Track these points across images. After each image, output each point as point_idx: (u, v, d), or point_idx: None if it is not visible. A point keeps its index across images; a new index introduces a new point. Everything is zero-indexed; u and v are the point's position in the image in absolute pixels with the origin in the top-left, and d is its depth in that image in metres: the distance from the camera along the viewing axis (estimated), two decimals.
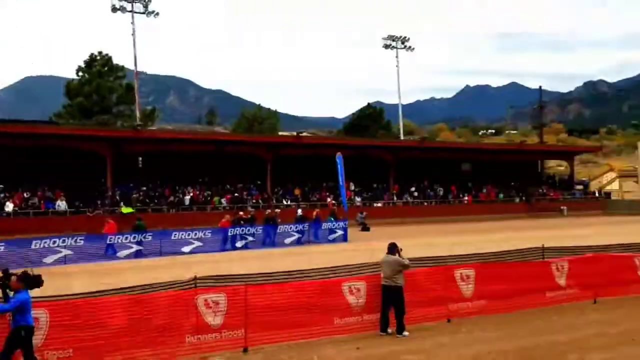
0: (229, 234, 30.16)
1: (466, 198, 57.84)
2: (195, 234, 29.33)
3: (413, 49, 77.26)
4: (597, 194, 68.99)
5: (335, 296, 12.87)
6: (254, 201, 47.30)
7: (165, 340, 11.00)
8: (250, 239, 30.79)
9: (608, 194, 72.35)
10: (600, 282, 15.98)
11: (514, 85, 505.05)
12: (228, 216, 32.42)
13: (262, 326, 11.85)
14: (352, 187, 52.16)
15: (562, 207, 60.53)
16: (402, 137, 76.58)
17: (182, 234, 29.08)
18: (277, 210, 37.72)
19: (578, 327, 13.33)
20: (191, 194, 46.28)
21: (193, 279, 11.90)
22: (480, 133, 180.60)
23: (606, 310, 14.94)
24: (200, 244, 29.01)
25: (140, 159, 48.43)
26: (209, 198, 46.79)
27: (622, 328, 13.08)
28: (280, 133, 79.83)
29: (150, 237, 28.37)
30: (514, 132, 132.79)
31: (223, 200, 46.49)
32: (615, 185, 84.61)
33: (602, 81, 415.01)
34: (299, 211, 38.31)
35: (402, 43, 76.00)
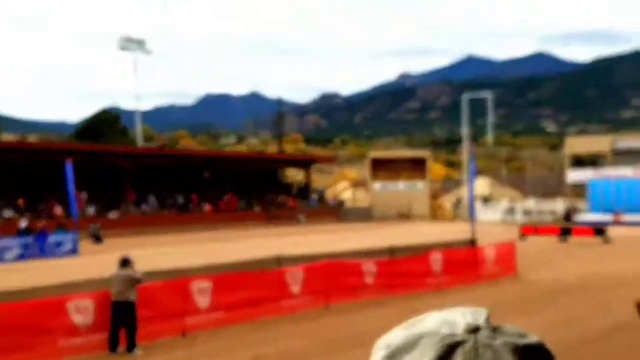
0: None
1: (207, 207, 57.81)
2: None
3: (151, 52, 75.94)
4: (331, 202, 72.94)
5: (60, 316, 11.97)
6: None
7: None
8: None
9: (341, 202, 76.87)
10: (332, 288, 16.60)
11: (254, 95, 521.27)
12: None
13: None
14: (85, 196, 49.31)
15: (299, 215, 63.08)
16: (140, 144, 74.68)
17: None
18: None
19: (311, 334, 13.67)
20: None
21: None
22: (221, 141, 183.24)
23: (337, 315, 15.52)
24: None
25: None
26: None
27: (352, 331, 13.59)
28: (1, 136, 73.41)
29: None
30: (255, 140, 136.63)
31: None
32: (348, 194, 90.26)
33: (336, 94, 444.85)
34: (23, 223, 35.40)
35: (140, 46, 74.22)
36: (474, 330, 0.85)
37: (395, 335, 0.89)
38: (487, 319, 0.85)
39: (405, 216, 67.04)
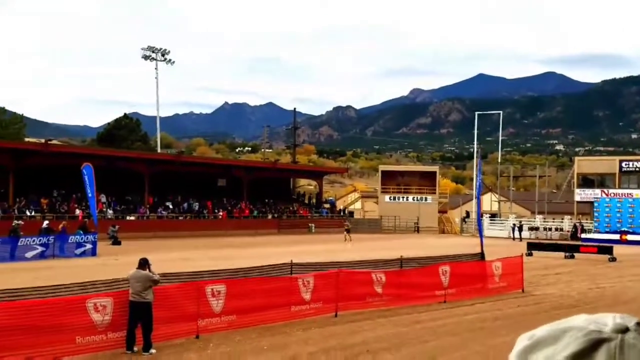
0: None
1: (221, 213, 58.38)
2: None
3: (173, 62, 76.89)
4: (342, 213, 73.29)
5: (78, 314, 12.21)
6: None
7: None
8: None
9: (351, 213, 77.19)
10: (341, 296, 16.90)
11: (270, 105, 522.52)
12: None
13: None
14: (104, 199, 50.13)
15: (310, 224, 63.48)
16: (159, 150, 75.40)
17: None
18: (20, 222, 35.01)
19: (319, 340, 13.87)
20: None
21: None
22: (237, 150, 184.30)
23: (345, 323, 15.75)
24: None
25: None
26: None
27: (359, 340, 13.83)
28: (27, 139, 74.30)
29: None
30: (269, 150, 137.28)
31: None
32: (358, 205, 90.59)
33: (350, 107, 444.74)
34: (45, 223, 36.02)
35: (162, 55, 75.27)
36: (623, 330, 0.85)
37: (541, 328, 0.94)
38: (638, 324, 0.88)
39: (414, 229, 67.34)
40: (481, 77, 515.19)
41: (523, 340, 0.93)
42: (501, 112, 78.60)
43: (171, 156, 63.92)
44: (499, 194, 72.50)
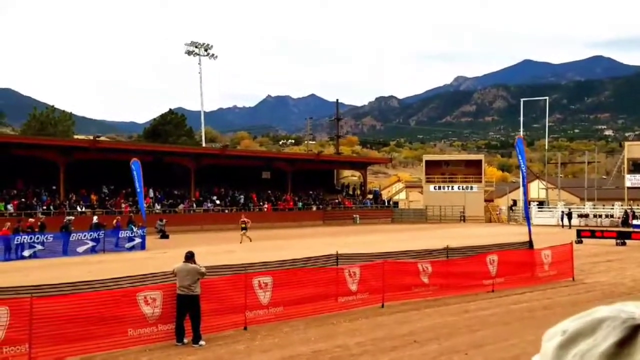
0: (15, 242, 28.16)
1: (266, 205, 58.72)
2: None
3: (216, 56, 77.55)
4: (386, 203, 73.03)
5: (130, 307, 12.46)
6: (44, 207, 44.52)
7: None
8: (39, 247, 28.96)
9: (396, 203, 76.85)
10: (388, 287, 16.83)
11: (313, 97, 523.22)
12: (9, 224, 30.27)
13: (49, 340, 11.24)
14: (152, 194, 50.93)
15: (355, 215, 63.42)
16: (204, 144, 76.16)
17: None
18: (71, 218, 35.86)
19: (367, 331, 13.84)
20: None
21: None
22: (280, 142, 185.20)
23: (392, 313, 15.69)
24: None
25: None
26: None
27: (407, 330, 13.76)
28: (76, 136, 75.89)
29: None
30: (313, 142, 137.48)
31: (9, 207, 43.18)
32: (402, 195, 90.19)
33: (392, 97, 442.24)
34: (95, 218, 36.79)
35: (205, 50, 75.94)
36: None
37: (570, 322, 0.92)
38: None
39: (460, 218, 66.73)
40: (527, 62, 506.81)
41: (554, 336, 0.92)
42: (547, 98, 77.22)
43: (216, 150, 64.54)
44: (546, 181, 71.32)
